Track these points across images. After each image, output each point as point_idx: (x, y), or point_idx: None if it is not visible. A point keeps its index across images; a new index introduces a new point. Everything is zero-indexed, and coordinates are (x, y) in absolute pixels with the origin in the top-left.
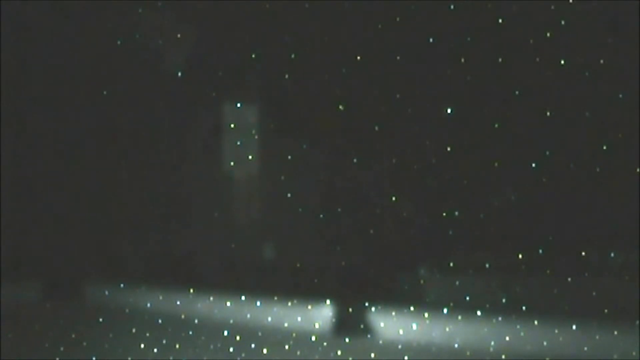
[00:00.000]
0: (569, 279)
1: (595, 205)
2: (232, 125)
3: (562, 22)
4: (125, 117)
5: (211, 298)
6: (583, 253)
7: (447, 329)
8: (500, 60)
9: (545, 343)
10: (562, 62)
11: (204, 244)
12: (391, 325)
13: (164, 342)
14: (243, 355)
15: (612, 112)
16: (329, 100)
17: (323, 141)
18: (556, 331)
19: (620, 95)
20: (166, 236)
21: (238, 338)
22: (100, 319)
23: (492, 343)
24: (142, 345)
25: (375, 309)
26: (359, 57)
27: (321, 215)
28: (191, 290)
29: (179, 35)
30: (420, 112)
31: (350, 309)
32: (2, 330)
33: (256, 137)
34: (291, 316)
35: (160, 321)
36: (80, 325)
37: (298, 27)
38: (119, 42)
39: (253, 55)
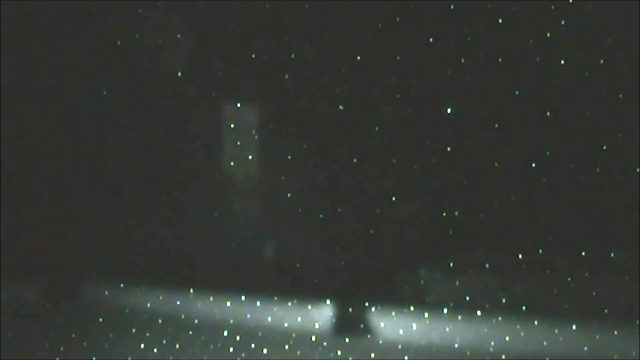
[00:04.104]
0: (569, 279)
1: (595, 205)
2: (232, 125)
3: (562, 22)
4: (124, 117)
5: (211, 298)
6: (583, 253)
7: (447, 329)
8: (500, 60)
9: (545, 343)
10: (562, 62)
11: (204, 244)
12: (391, 325)
13: (164, 342)
14: (243, 355)
15: (612, 112)
16: (329, 100)
17: (323, 141)
18: (556, 331)
19: (620, 95)
20: (166, 236)
21: (238, 338)
22: (100, 319)
23: (492, 343)
24: (142, 345)
25: (375, 309)
26: (359, 57)
27: (321, 215)
28: (191, 290)
29: (179, 35)
30: (420, 112)
31: (350, 309)
32: (2, 330)
33: (256, 137)
34: (291, 316)
35: (160, 321)
36: (80, 325)
37: (298, 27)
38: (119, 42)
39: (253, 55)
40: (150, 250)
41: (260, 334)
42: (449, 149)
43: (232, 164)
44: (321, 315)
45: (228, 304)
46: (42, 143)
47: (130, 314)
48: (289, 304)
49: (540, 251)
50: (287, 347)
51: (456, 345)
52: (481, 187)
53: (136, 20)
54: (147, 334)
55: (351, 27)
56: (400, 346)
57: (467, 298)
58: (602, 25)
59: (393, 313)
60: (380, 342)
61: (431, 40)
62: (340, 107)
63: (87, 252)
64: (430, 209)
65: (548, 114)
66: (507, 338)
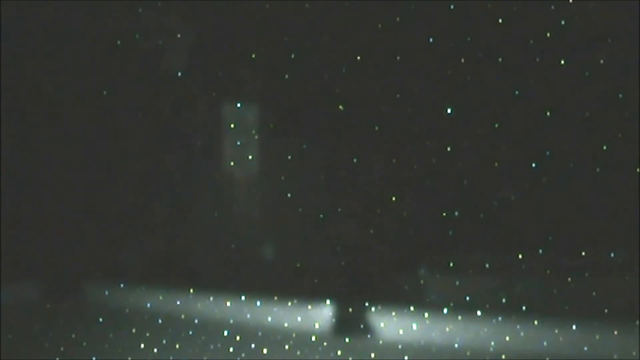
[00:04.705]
0: (569, 279)
1: (595, 205)
2: (232, 125)
3: (562, 22)
4: (124, 117)
5: (211, 298)
6: (583, 253)
7: (447, 329)
8: (500, 60)
9: (545, 343)
10: (562, 62)
11: (204, 244)
12: (391, 325)
13: (164, 342)
14: (243, 355)
15: (612, 112)
16: (329, 100)
17: (323, 141)
18: (556, 331)
19: (620, 95)
20: (166, 236)
21: (238, 338)
22: (100, 319)
23: (492, 343)
24: (142, 345)
25: (375, 309)
26: (359, 57)
27: (321, 215)
28: (191, 290)
29: (179, 35)
30: (420, 112)
31: (350, 309)
32: (2, 330)
33: (256, 137)
34: (291, 316)
35: (160, 321)
36: (80, 325)
37: (298, 27)
38: (119, 42)
39: (253, 55)
40: (150, 250)
41: (260, 334)
42: (449, 149)
43: (232, 164)
44: (321, 315)
45: (228, 304)
46: (42, 143)
47: (130, 314)
48: (289, 304)
49: (540, 251)
50: (287, 347)
51: (456, 345)
52: (481, 187)
53: (136, 20)
54: (147, 334)
55: (351, 27)
56: (400, 346)
57: (467, 298)
58: (602, 25)
59: (393, 313)
60: (380, 342)
61: (431, 40)
62: (340, 107)
63: (87, 252)
64: (430, 209)
65: (548, 114)
66: (507, 338)
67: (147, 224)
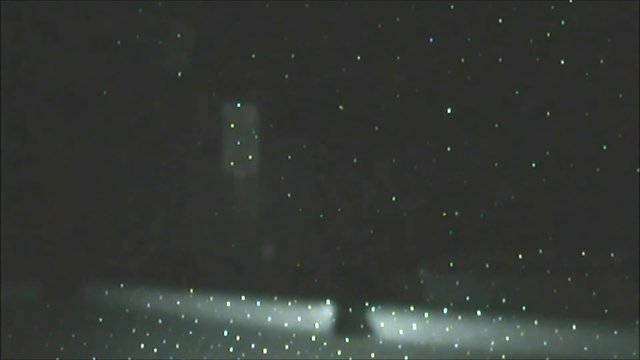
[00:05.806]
0: (569, 279)
1: (595, 205)
2: (232, 125)
3: (562, 22)
4: (125, 117)
5: (211, 298)
6: (583, 253)
7: (447, 329)
8: (500, 60)
9: (545, 343)
10: (562, 62)
11: (204, 244)
12: (391, 325)
13: (164, 342)
14: (243, 355)
15: (612, 112)
16: (329, 100)
17: (323, 141)
18: (556, 331)
19: (620, 95)
20: (166, 236)
21: (238, 338)
22: (100, 319)
23: (492, 343)
24: (142, 345)
25: (375, 309)
26: (359, 57)
27: (321, 215)
28: (191, 290)
29: (179, 35)
30: (420, 112)
31: (350, 309)
32: (2, 330)
33: (256, 137)
34: (291, 316)
35: (160, 321)
36: (80, 325)
37: (298, 27)
38: (119, 42)
39: (253, 55)
40: (150, 250)
41: (260, 334)
42: (449, 149)
43: (232, 164)
44: (321, 315)
45: (228, 304)
46: (42, 143)
47: (130, 314)
48: (289, 304)
49: (540, 251)
50: (287, 347)
51: (456, 345)
52: (481, 187)
53: (136, 20)
54: (147, 334)
55: (351, 27)
56: (400, 346)
57: (467, 298)
58: (602, 25)
59: (393, 313)
60: (380, 342)
61: (431, 40)
62: (340, 107)
63: (87, 252)
64: (430, 209)
65: (548, 114)
66: (507, 338)
67: (147, 224)
